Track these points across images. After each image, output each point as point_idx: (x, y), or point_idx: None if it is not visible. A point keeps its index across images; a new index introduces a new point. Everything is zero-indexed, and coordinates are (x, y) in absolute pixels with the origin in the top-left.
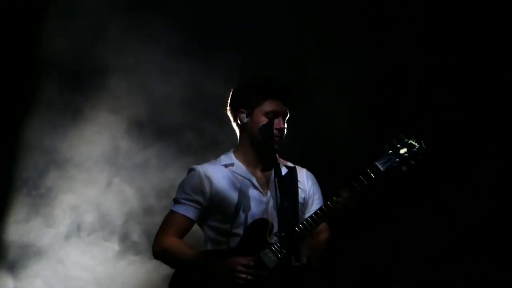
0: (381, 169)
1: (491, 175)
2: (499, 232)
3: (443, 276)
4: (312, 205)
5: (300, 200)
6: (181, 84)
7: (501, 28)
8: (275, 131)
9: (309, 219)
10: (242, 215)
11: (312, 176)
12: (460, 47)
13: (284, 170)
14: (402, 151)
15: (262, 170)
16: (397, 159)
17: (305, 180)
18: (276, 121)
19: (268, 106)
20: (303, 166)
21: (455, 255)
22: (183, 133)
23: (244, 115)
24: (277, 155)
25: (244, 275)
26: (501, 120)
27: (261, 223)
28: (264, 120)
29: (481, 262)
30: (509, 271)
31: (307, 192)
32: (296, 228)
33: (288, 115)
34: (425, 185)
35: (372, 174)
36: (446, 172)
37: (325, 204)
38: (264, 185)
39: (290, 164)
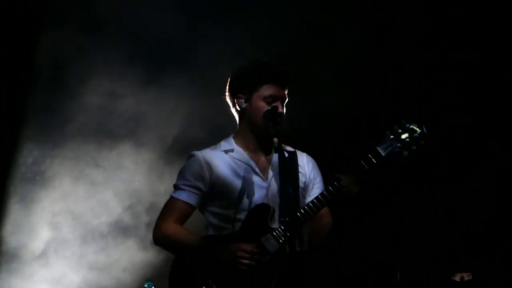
0: (383, 154)
1: (491, 172)
2: (499, 223)
3: (444, 263)
4: (312, 189)
5: (301, 184)
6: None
7: (500, 28)
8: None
9: (310, 203)
10: (242, 201)
11: (313, 161)
12: (460, 47)
13: (284, 155)
14: (404, 136)
15: (262, 155)
16: (398, 144)
17: (306, 164)
18: (274, 105)
19: (266, 90)
20: (303, 151)
21: (456, 243)
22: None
23: (242, 100)
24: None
25: (246, 261)
26: (501, 120)
27: (263, 208)
28: (262, 105)
29: (481, 248)
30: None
31: (308, 176)
32: (298, 213)
33: (287, 99)
34: (426, 175)
35: (373, 159)
36: (447, 167)
37: (326, 188)
38: (264, 170)
39: (290, 149)
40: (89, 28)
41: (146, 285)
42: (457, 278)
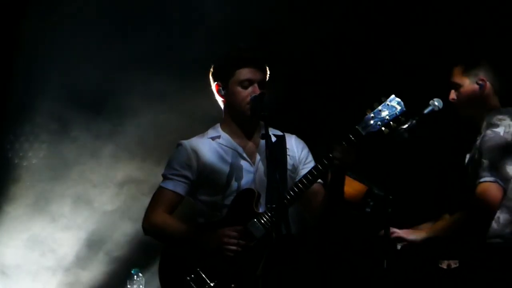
0: (363, 133)
1: None
2: None
3: (431, 250)
4: (303, 169)
5: (289, 167)
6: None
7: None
8: (249, 98)
9: (299, 182)
10: (231, 186)
11: (302, 142)
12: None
13: (272, 139)
14: (384, 114)
15: (249, 140)
16: (378, 123)
17: (294, 147)
18: (250, 88)
19: (241, 75)
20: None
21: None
22: None
23: (221, 88)
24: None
25: (232, 247)
26: None
27: (248, 193)
28: (239, 89)
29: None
30: None
31: (297, 158)
32: (287, 196)
33: (265, 81)
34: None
35: (353, 138)
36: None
37: (316, 164)
38: (251, 155)
39: (278, 133)
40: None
41: (132, 272)
42: (444, 265)
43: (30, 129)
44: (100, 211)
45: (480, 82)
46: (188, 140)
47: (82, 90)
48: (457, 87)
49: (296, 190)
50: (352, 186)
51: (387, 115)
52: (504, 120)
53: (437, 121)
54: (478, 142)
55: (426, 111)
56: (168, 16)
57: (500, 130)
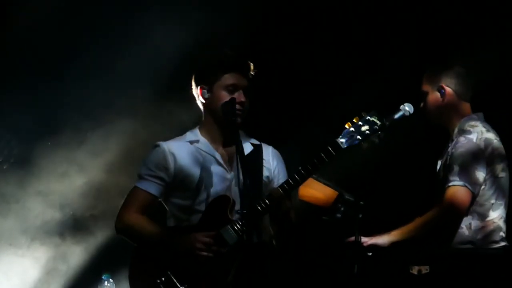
0: (342, 146)
1: None
2: None
3: (402, 256)
4: (277, 184)
5: (264, 178)
6: None
7: None
8: (236, 105)
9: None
10: (204, 192)
11: (278, 154)
12: None
13: (249, 147)
14: (364, 128)
15: (227, 147)
16: (358, 136)
17: (270, 158)
18: (236, 94)
19: (227, 79)
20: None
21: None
22: None
23: (205, 91)
24: (241, 131)
25: (204, 252)
26: None
27: (223, 200)
28: (224, 94)
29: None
30: None
31: (272, 171)
32: (258, 206)
33: (250, 89)
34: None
35: (332, 151)
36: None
37: (287, 180)
38: (228, 162)
39: (255, 142)
40: None
41: (103, 277)
42: (415, 271)
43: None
44: (69, 213)
45: (441, 89)
46: (166, 142)
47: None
48: (423, 95)
49: (268, 202)
50: (322, 192)
51: (367, 129)
52: (476, 126)
53: (408, 126)
54: (449, 148)
55: (396, 116)
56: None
57: (473, 136)
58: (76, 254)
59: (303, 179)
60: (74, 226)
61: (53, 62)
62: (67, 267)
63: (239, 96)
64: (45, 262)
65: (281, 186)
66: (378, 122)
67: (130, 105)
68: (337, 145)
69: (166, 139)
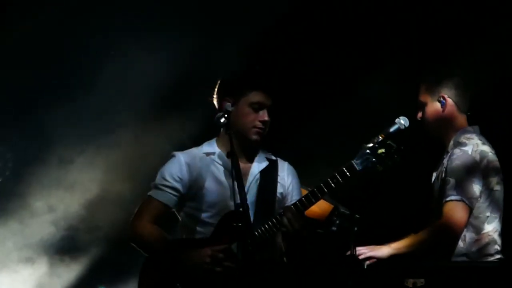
0: (357, 168)
1: None
2: None
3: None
4: (290, 201)
5: (278, 194)
6: None
7: None
8: (258, 123)
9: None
10: (219, 205)
11: (293, 171)
12: None
13: (265, 163)
14: (380, 151)
15: (243, 161)
16: (373, 159)
17: (285, 175)
18: (260, 113)
19: (254, 97)
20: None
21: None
22: None
23: (229, 103)
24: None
25: (214, 267)
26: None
27: (235, 215)
28: (248, 111)
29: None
30: None
31: (286, 187)
32: (270, 222)
33: (273, 108)
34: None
35: (348, 173)
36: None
37: (300, 199)
38: (243, 176)
39: (272, 157)
40: None
41: None
42: (410, 284)
43: None
44: (68, 226)
45: (441, 99)
46: (183, 152)
47: None
48: (422, 105)
49: (280, 219)
50: (318, 205)
51: (383, 152)
52: (472, 139)
53: (403, 139)
54: (445, 160)
55: (392, 129)
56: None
57: (468, 148)
58: (71, 269)
59: (317, 199)
60: (69, 241)
61: (48, 75)
62: (62, 282)
63: (263, 115)
64: (39, 278)
65: (294, 204)
66: (394, 145)
67: (126, 118)
68: (352, 167)
69: (165, 152)
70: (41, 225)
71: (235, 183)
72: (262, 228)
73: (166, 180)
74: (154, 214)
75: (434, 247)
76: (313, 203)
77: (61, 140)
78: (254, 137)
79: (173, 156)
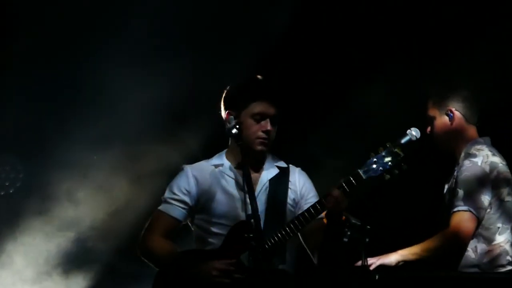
0: (363, 177)
1: None
2: None
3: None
4: (305, 204)
5: (290, 201)
6: None
7: None
8: (261, 133)
9: (295, 219)
10: (229, 216)
11: (305, 175)
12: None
13: (274, 171)
14: (387, 159)
15: (252, 171)
16: (380, 168)
17: (297, 180)
18: (263, 123)
19: (254, 108)
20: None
21: None
22: None
23: (232, 117)
24: (269, 154)
25: (224, 279)
26: None
27: (244, 225)
28: (251, 122)
29: None
30: None
31: (298, 193)
32: (283, 230)
33: (278, 117)
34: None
35: (354, 182)
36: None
37: (308, 208)
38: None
39: (283, 165)
40: None
41: None
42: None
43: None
44: (82, 238)
45: (449, 112)
46: (191, 166)
47: None
48: (430, 120)
49: (289, 228)
50: None
51: (390, 161)
52: (482, 150)
53: (414, 150)
54: (455, 172)
55: (403, 140)
56: None
57: (478, 160)
58: (81, 280)
59: (324, 209)
60: (79, 251)
61: (58, 86)
62: None
63: (266, 124)
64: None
65: (302, 214)
66: (401, 153)
67: (137, 131)
68: (359, 176)
69: (175, 165)
70: (57, 237)
71: (247, 194)
72: (274, 237)
73: (175, 194)
74: (164, 228)
75: (440, 255)
76: (320, 212)
77: (75, 154)
78: (259, 147)
79: (182, 169)
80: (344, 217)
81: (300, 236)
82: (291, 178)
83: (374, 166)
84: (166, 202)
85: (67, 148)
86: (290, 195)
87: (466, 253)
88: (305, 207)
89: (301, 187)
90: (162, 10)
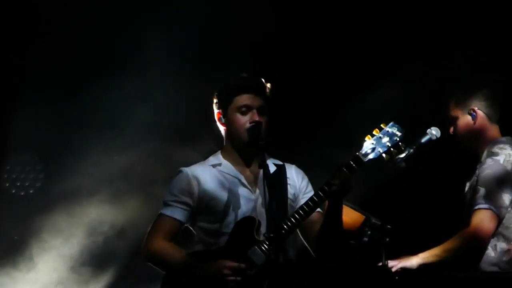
0: (364, 160)
1: None
2: None
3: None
4: (303, 198)
5: (290, 196)
6: None
7: None
8: (248, 125)
9: (297, 211)
10: (231, 214)
11: (302, 172)
12: None
13: (272, 168)
14: (384, 140)
15: (250, 168)
16: (379, 149)
17: (294, 176)
18: (249, 114)
19: (238, 101)
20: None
21: None
22: None
23: (222, 116)
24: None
25: (232, 277)
26: None
27: (248, 221)
28: (237, 116)
29: None
30: None
31: (297, 188)
32: (284, 225)
33: (266, 107)
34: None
35: (354, 165)
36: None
37: (311, 197)
38: (252, 183)
39: (278, 162)
40: None
41: None
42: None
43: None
44: (96, 239)
45: (472, 112)
46: (189, 167)
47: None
48: (453, 120)
49: (295, 218)
50: (349, 216)
51: (387, 141)
52: (504, 149)
53: (437, 149)
54: (477, 170)
55: (423, 140)
56: None
57: (500, 158)
58: (100, 278)
59: (326, 196)
60: (99, 249)
61: (80, 86)
62: None
63: (253, 116)
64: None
65: (305, 204)
66: (398, 133)
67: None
68: (358, 159)
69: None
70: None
71: (267, 193)
72: (284, 225)
73: (176, 196)
74: (167, 231)
75: (461, 255)
76: (322, 200)
77: (92, 156)
78: (247, 139)
79: (180, 171)
80: (364, 217)
81: (298, 230)
82: (288, 174)
83: (372, 148)
84: (167, 205)
85: (87, 150)
86: (290, 190)
87: (486, 252)
88: (303, 201)
89: (300, 183)
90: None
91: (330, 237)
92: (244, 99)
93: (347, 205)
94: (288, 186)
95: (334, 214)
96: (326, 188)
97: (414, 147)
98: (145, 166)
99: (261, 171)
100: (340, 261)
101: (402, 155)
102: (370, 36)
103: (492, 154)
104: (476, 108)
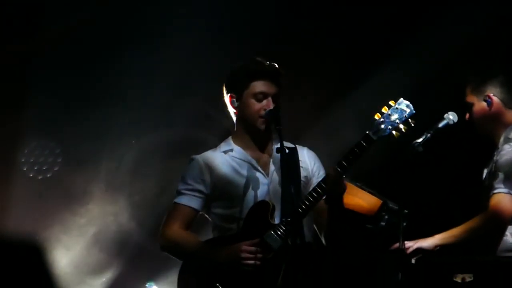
0: (374, 138)
1: None
2: None
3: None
4: (316, 182)
5: (303, 178)
6: None
7: None
8: (263, 112)
9: (310, 194)
10: (245, 199)
11: (314, 154)
12: None
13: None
14: (393, 117)
15: (261, 152)
16: (389, 127)
17: (306, 158)
18: (264, 102)
19: (255, 87)
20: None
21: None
22: None
23: (234, 99)
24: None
25: (250, 261)
26: None
27: (263, 205)
28: (253, 102)
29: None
30: None
31: (310, 170)
32: (301, 207)
33: (279, 95)
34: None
35: (365, 144)
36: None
37: (322, 179)
38: (265, 167)
39: (290, 145)
40: None
41: (147, 285)
42: (459, 279)
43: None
44: (114, 223)
45: (487, 98)
46: (201, 155)
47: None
48: (469, 106)
49: (309, 201)
50: (366, 200)
51: (397, 118)
52: None
53: (454, 134)
54: (495, 156)
55: (440, 124)
56: None
57: None
58: (117, 264)
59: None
60: (117, 235)
61: (98, 73)
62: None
63: (268, 103)
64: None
65: (317, 186)
66: (407, 109)
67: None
68: (368, 138)
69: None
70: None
71: (284, 177)
72: (297, 211)
73: (189, 184)
74: (182, 219)
75: (480, 236)
76: (341, 175)
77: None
78: (262, 126)
79: (192, 159)
80: (381, 201)
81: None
82: (300, 157)
83: (383, 126)
84: (181, 193)
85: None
86: (303, 172)
87: (504, 237)
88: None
89: (312, 165)
90: None
91: (333, 225)
92: (261, 85)
93: (364, 189)
94: (301, 169)
95: (334, 211)
96: (338, 168)
97: (432, 131)
98: (163, 151)
99: (273, 154)
100: (348, 249)
101: (420, 140)
102: (383, 16)
103: (509, 140)
104: (491, 95)
